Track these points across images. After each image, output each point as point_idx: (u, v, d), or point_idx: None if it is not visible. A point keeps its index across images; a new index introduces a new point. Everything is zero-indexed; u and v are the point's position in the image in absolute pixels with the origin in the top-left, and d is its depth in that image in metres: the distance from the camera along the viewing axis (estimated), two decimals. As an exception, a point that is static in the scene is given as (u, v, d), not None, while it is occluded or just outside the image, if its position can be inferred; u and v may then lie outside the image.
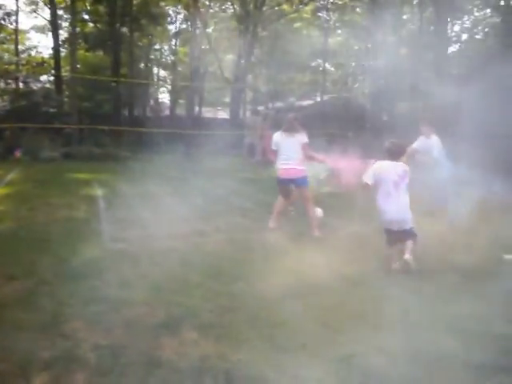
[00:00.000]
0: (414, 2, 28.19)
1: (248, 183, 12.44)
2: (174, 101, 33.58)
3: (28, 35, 32.67)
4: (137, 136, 22.95)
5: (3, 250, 6.03)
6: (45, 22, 29.14)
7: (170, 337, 3.79)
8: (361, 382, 3.27)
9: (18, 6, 25.70)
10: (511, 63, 12.66)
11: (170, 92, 34.83)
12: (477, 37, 28.74)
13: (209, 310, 4.30)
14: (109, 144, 20.17)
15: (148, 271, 5.32)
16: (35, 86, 24.02)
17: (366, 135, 19.81)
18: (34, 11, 29.17)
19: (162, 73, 37.64)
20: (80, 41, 26.93)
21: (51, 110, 22.92)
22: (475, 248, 6.32)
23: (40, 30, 31.67)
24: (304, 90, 35.76)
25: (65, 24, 27.83)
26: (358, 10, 31.76)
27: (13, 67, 23.56)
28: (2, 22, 24.59)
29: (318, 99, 32.57)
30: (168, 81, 36.25)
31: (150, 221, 7.99)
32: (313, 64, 35.43)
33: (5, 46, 27.64)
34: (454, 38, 28.87)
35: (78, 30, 25.56)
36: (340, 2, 31.88)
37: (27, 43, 31.27)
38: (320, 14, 33.12)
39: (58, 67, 24.22)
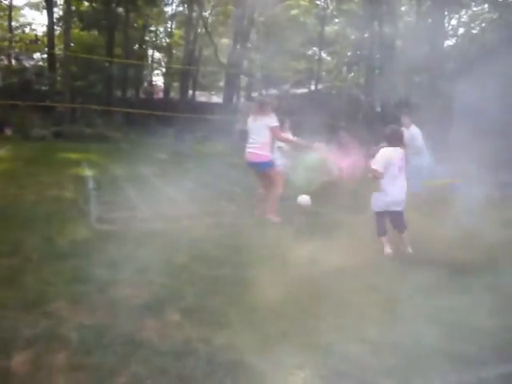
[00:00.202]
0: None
1: (237, 168, 12.43)
2: (167, 83, 33.40)
3: (22, 12, 32.37)
4: (129, 117, 22.84)
5: (-10, 228, 6.02)
6: (40, -1, 28.83)
7: (154, 318, 3.80)
8: (340, 369, 3.30)
9: (12, -19, 25.38)
10: (508, 58, 12.71)
11: (164, 74, 34.63)
12: (473, 31, 28.75)
13: (193, 294, 4.31)
14: (100, 124, 20.09)
15: (134, 253, 5.31)
16: (28, 64, 23.83)
17: (359, 125, 19.83)
18: (29, -13, 28.82)
19: (157, 55, 37.44)
20: (75, 19, 26.63)
21: (43, 88, 22.79)
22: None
23: (35, 6, 31.33)
24: (299, 77, 35.65)
25: (60, 2, 27.50)
26: (355, -1, 31.65)
27: (6, 44, 23.32)
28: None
29: (313, 88, 32.49)
30: (162, 63, 36.02)
31: (138, 203, 7.99)
32: (308, 52, 35.32)
33: (-2, 22, 27.35)
34: (451, 32, 28.89)
35: (73, 8, 25.26)
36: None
37: (21, 20, 30.98)
38: (317, 1, 32.99)
39: (51, 45, 23.98)
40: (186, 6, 28.35)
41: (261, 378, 3.14)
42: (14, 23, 27.73)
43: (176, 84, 33.01)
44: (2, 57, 22.64)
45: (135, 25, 29.45)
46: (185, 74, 25.36)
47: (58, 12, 27.31)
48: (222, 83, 32.80)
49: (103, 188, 9.06)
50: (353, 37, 33.37)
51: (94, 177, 10.22)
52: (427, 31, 23.36)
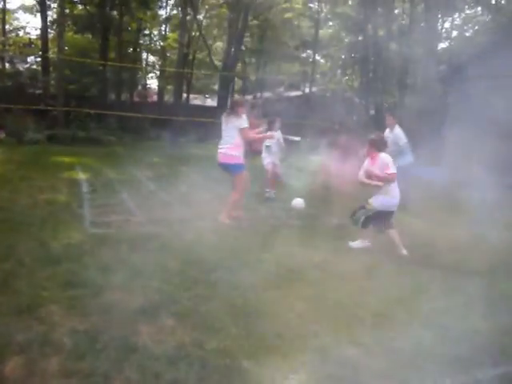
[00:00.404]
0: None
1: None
2: (161, 87, 33.35)
3: (16, 15, 32.26)
4: (123, 121, 22.80)
5: (-18, 232, 5.98)
6: (33, 2, 28.72)
7: (147, 323, 3.79)
8: (335, 372, 3.30)
9: (5, -16, 25.28)
10: (500, 60, 12.80)
11: (159, 78, 34.59)
12: (466, 34, 28.92)
13: (187, 298, 4.30)
14: (94, 128, 20.04)
15: (128, 257, 5.30)
16: (21, 67, 23.76)
17: (352, 128, 19.86)
18: (23, -10, 28.74)
19: (151, 58, 37.41)
20: (69, 23, 26.54)
21: (37, 92, 22.70)
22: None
23: (28, 10, 31.21)
24: (293, 80, 35.72)
25: (54, 5, 27.40)
26: (349, 2, 31.76)
27: (-1, 47, 23.26)
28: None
29: (307, 90, 32.54)
30: (157, 66, 35.98)
31: (132, 206, 7.97)
32: (303, 55, 35.42)
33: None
34: (445, 35, 29.03)
35: (67, 11, 25.16)
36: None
37: (15, 23, 30.89)
38: (311, 4, 33.09)
39: (45, 48, 23.87)
40: (180, 9, 28.34)
41: (255, 382, 3.14)
42: (7, 26, 27.62)
43: (170, 87, 32.99)
44: (-4, 60, 22.60)
45: (129, 28, 29.34)
46: (179, 77, 25.32)
47: (51, 15, 27.25)
48: (216, 86, 32.79)
49: (97, 191, 9.04)
50: (347, 40, 33.47)
51: (88, 180, 10.19)
52: (421, 34, 23.50)
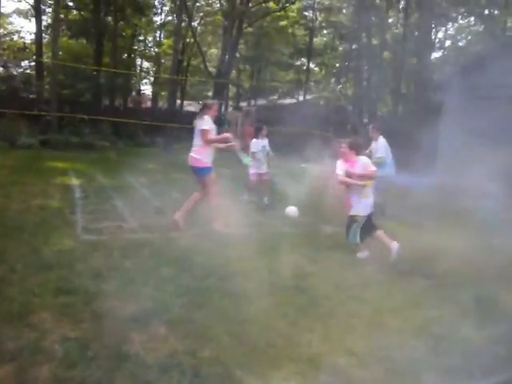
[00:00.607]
0: (400, 7, 28.44)
1: (225, 178, 12.41)
2: (156, 93, 33.37)
3: (10, 19, 32.23)
4: (116, 126, 22.77)
5: (-26, 237, 5.93)
6: (28, 7, 28.72)
7: (140, 331, 3.76)
8: (327, 381, 3.29)
9: (0, -13, 25.19)
10: (492, 70, 12.89)
11: (153, 84, 34.61)
12: (460, 44, 29.13)
13: (179, 306, 4.27)
14: (88, 133, 20.00)
15: (120, 263, 5.27)
16: (15, 71, 23.72)
17: (346, 136, 19.91)
18: (18, -6, 28.72)
19: (146, 64, 37.44)
20: (63, 28, 26.55)
21: (31, 96, 22.66)
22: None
23: (23, 14, 31.23)
24: (287, 88, 35.84)
25: (48, 10, 27.42)
26: (344, 11, 31.95)
27: (-7, 51, 23.23)
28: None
29: (301, 98, 32.64)
30: (151, 72, 36.01)
31: (125, 213, 7.94)
32: (297, 63, 35.55)
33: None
34: (438, 45, 29.23)
35: (61, 16, 25.18)
36: (326, 3, 32.02)
37: (9, 27, 30.85)
38: (306, 13, 33.23)
39: (39, 53, 23.88)
40: (175, 15, 28.41)
41: (247, 391, 3.12)
42: (1, 30, 27.66)
43: (164, 93, 33.01)
44: (-10, 64, 22.55)
45: (124, 34, 29.37)
46: (173, 83, 25.35)
47: (46, 20, 27.30)
48: (210, 93, 32.83)
49: (90, 197, 9.00)
50: (341, 48, 33.65)
51: (81, 186, 10.15)
52: (415, 43, 23.64)
